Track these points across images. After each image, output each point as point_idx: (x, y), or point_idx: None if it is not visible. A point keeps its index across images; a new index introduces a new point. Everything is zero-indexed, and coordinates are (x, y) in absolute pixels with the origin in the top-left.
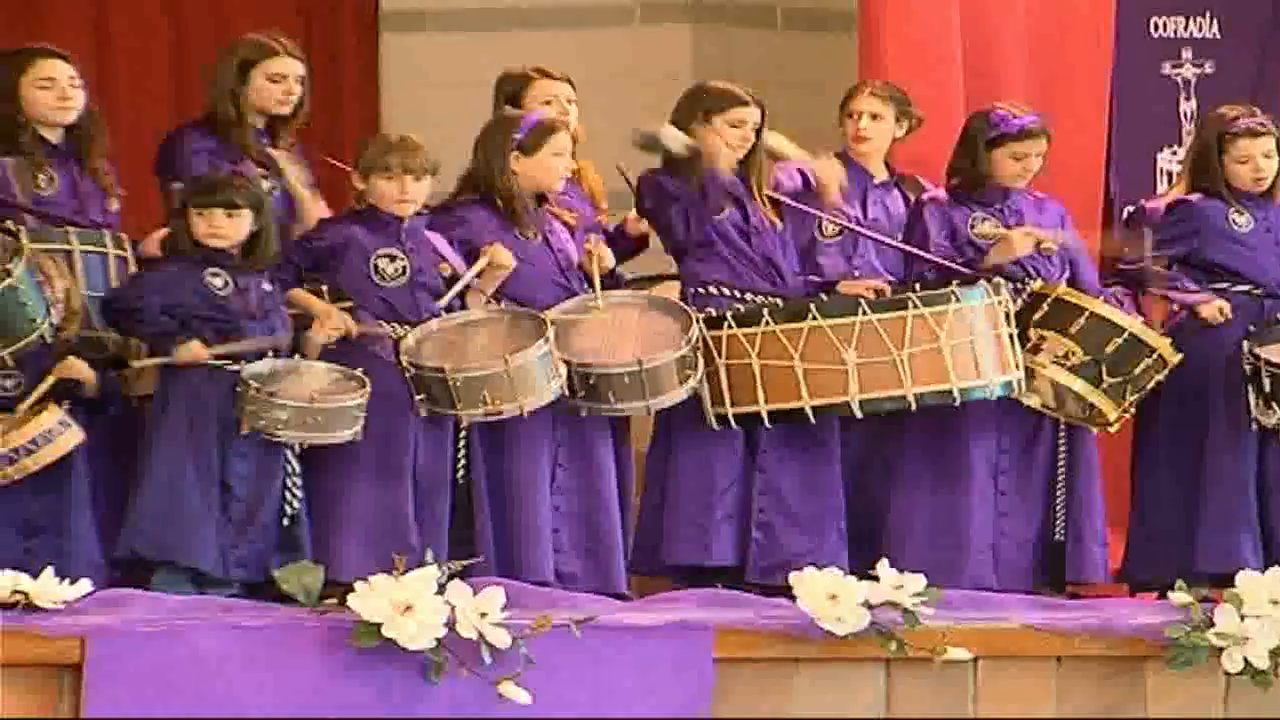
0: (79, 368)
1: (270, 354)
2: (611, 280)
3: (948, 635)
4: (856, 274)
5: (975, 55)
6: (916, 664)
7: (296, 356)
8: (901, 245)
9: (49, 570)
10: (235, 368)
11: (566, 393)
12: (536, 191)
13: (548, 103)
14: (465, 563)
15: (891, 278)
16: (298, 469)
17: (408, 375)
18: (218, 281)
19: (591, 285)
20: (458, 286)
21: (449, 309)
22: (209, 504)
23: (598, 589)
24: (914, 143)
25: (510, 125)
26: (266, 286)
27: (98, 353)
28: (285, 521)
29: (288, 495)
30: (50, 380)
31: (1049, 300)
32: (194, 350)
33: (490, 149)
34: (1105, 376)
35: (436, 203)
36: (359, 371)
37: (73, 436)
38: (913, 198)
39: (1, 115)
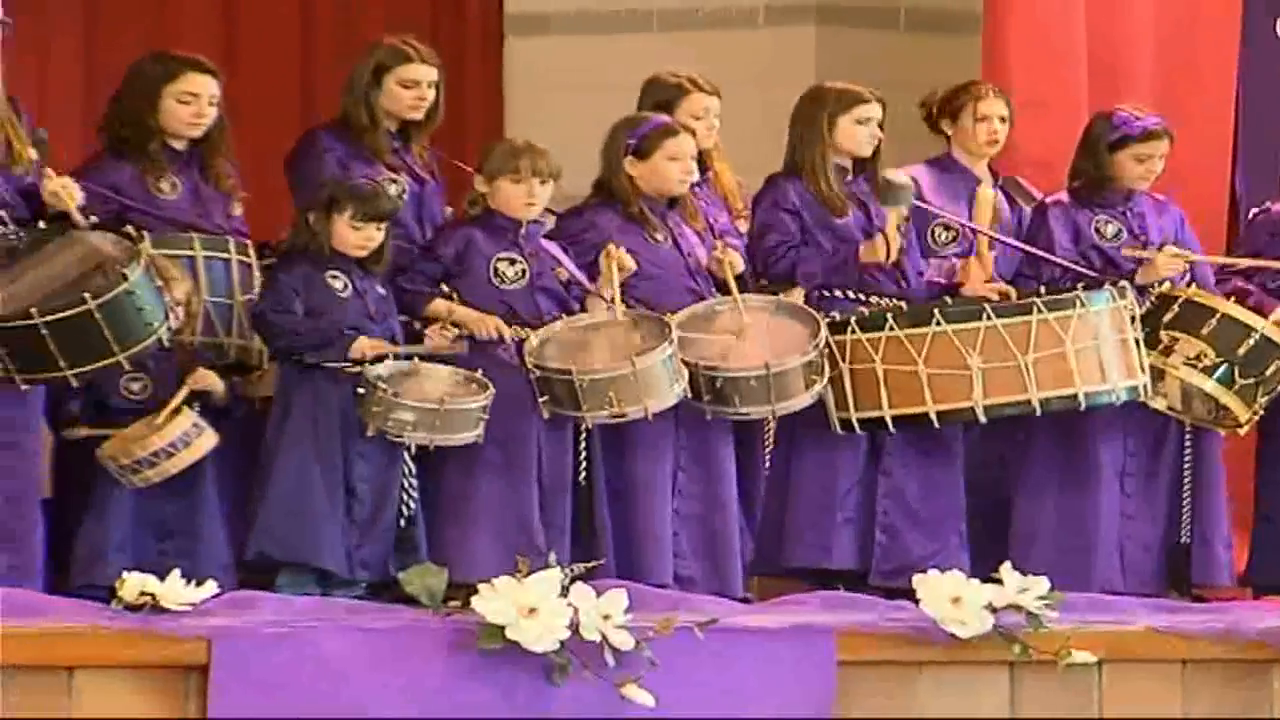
0: (211, 380)
1: (390, 356)
2: (741, 284)
3: (1072, 639)
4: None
5: (1100, 55)
6: (1040, 667)
7: (415, 359)
8: (1028, 248)
9: (176, 572)
10: (356, 370)
11: (689, 395)
12: (659, 195)
13: (698, 118)
14: (588, 565)
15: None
16: (413, 470)
17: (532, 377)
18: (338, 284)
19: (721, 289)
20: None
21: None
22: (334, 505)
23: (716, 592)
24: (1037, 144)
25: (627, 128)
26: (381, 290)
27: (218, 358)
28: (401, 523)
29: (404, 497)
30: (184, 392)
31: (1179, 302)
32: (363, 346)
33: (610, 152)
34: (1238, 378)
35: (557, 207)
36: (478, 373)
37: (208, 440)
38: (1018, 200)
39: (135, 118)
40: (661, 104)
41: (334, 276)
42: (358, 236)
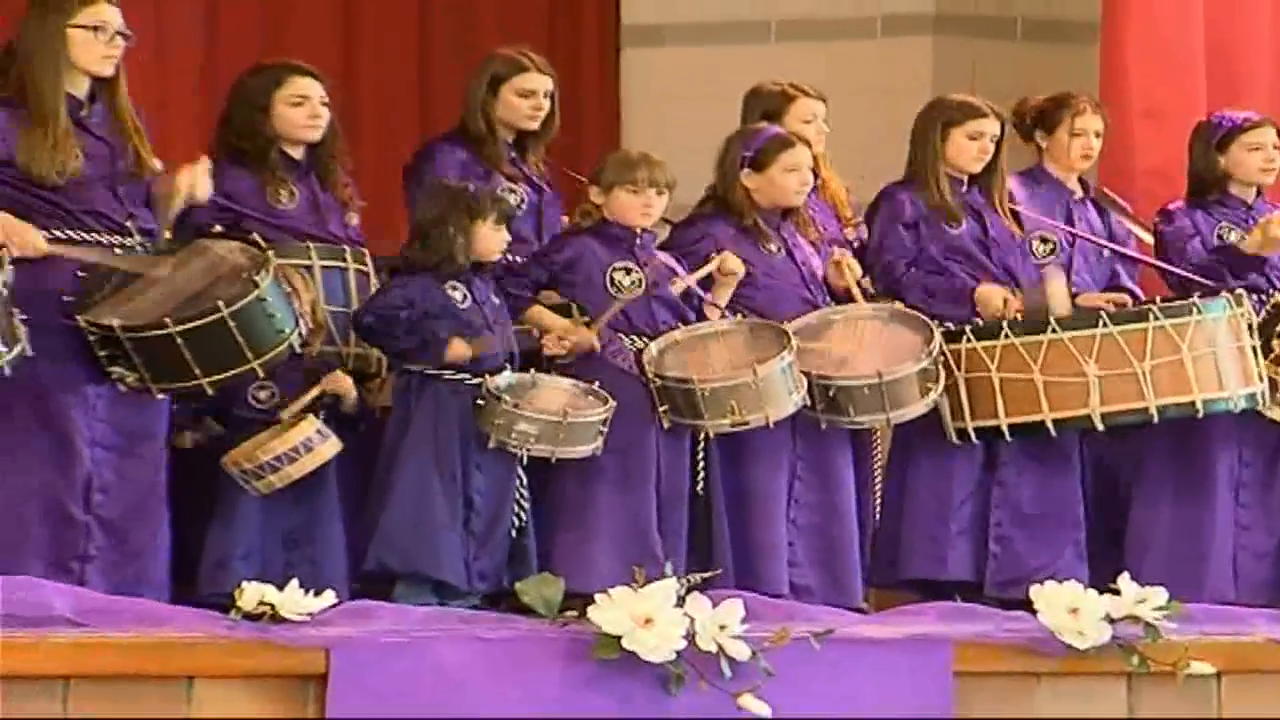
0: (346, 384)
1: (507, 367)
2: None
3: (1190, 649)
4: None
5: (1218, 64)
6: (1159, 678)
7: (532, 370)
8: (1148, 260)
9: (294, 582)
10: (476, 381)
11: (807, 404)
12: (775, 206)
13: (807, 122)
14: (705, 575)
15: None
16: (525, 481)
17: (652, 386)
18: (457, 294)
19: (837, 298)
20: (681, 284)
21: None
22: (454, 517)
23: (833, 602)
24: (1156, 153)
25: (743, 140)
26: (495, 299)
27: (335, 365)
28: (512, 533)
29: (516, 508)
30: (315, 391)
31: None
32: (458, 349)
33: (725, 163)
34: None
35: (670, 217)
36: (595, 384)
37: (331, 446)
38: (1109, 212)
39: (250, 129)
40: (769, 113)
41: (453, 287)
42: (498, 240)
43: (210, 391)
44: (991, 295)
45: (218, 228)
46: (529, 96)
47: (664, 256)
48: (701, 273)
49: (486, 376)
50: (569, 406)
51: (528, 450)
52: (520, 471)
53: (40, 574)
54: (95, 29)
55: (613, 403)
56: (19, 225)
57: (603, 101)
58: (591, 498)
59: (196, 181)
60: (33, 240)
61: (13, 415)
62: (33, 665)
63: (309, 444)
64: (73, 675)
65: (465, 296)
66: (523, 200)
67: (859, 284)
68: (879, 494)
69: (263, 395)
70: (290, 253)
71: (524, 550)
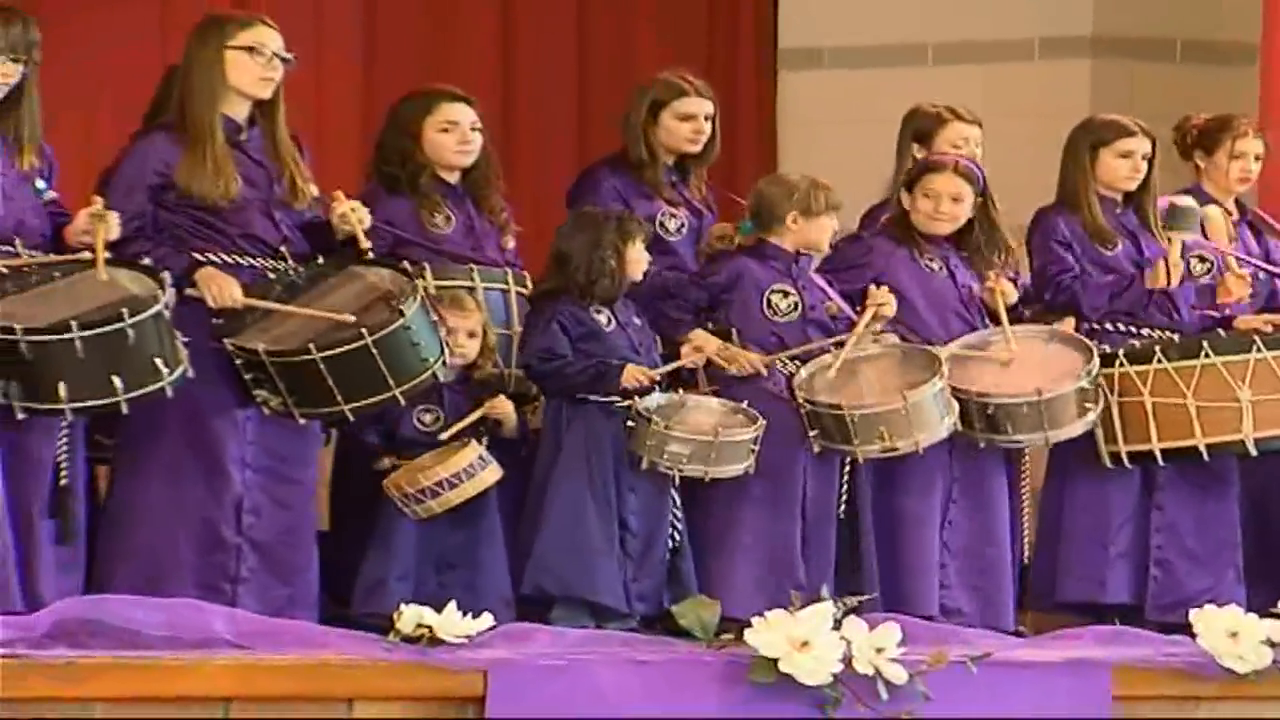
0: (507, 408)
1: (655, 388)
2: (1013, 315)
3: None
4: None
5: None
6: None
7: (680, 390)
8: None
9: (452, 605)
10: (625, 403)
11: (959, 428)
12: (923, 228)
13: (957, 146)
14: (860, 599)
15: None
16: (678, 502)
17: (802, 410)
18: (602, 318)
19: (993, 319)
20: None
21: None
22: (609, 540)
23: (986, 625)
24: None
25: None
26: (637, 320)
27: (500, 389)
28: (667, 555)
29: (671, 529)
30: (476, 414)
31: None
32: (633, 374)
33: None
34: None
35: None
36: (744, 404)
37: (492, 473)
38: (1265, 235)
39: (404, 155)
40: (921, 133)
41: (598, 311)
42: (644, 263)
43: (351, 418)
44: (1157, 268)
45: (370, 254)
46: (690, 120)
47: (819, 280)
48: (865, 319)
49: (636, 398)
50: (720, 426)
51: (680, 471)
52: (673, 492)
53: (191, 594)
54: (252, 50)
55: (762, 421)
56: (220, 277)
57: (759, 125)
58: (737, 521)
59: (362, 215)
60: (231, 292)
61: (165, 436)
62: (195, 687)
63: (471, 470)
64: (234, 697)
65: (610, 320)
66: (683, 225)
67: (1009, 310)
68: (1026, 519)
69: (428, 418)
70: (452, 275)
71: (680, 571)
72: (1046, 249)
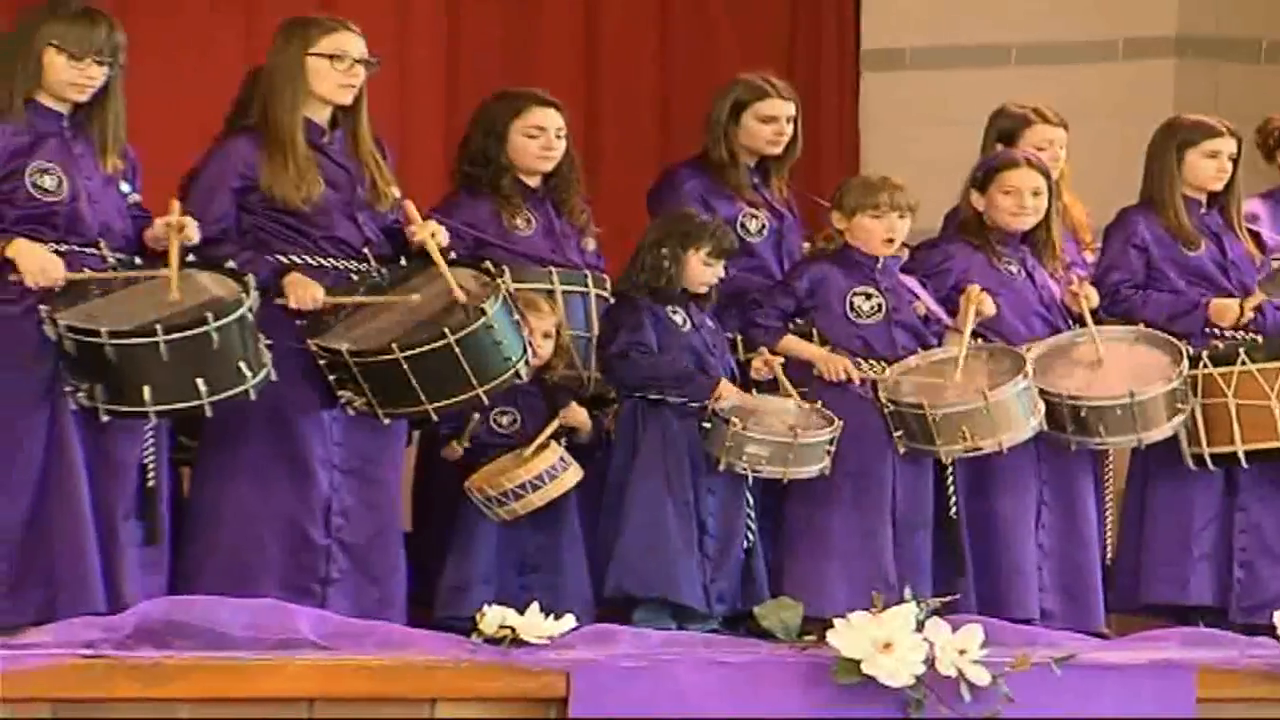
0: (581, 416)
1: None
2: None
3: None
4: None
5: None
6: None
7: (754, 391)
8: None
9: (535, 606)
10: (701, 404)
11: (1049, 428)
12: (999, 227)
13: (1041, 149)
14: (944, 599)
15: None
16: (753, 503)
17: (886, 411)
18: (678, 319)
19: (1077, 320)
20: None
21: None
22: (689, 540)
23: (1076, 627)
24: None
25: (982, 161)
26: (711, 323)
27: (579, 391)
28: (741, 555)
29: (746, 530)
30: (554, 425)
31: None
32: (725, 391)
33: (967, 184)
34: None
35: (911, 240)
36: (819, 404)
37: (573, 475)
38: None
39: (485, 155)
40: (1006, 134)
41: (674, 311)
42: (708, 274)
43: (435, 418)
44: (1227, 305)
45: (453, 255)
46: (771, 122)
47: (909, 281)
48: (969, 322)
49: (711, 399)
50: (797, 427)
51: (757, 472)
52: (748, 493)
53: (276, 595)
54: (333, 58)
55: (839, 422)
56: (303, 281)
57: (842, 126)
58: (826, 522)
59: (441, 238)
60: (313, 293)
61: (251, 438)
62: (279, 687)
63: (552, 472)
64: (318, 697)
65: (685, 321)
66: (764, 226)
67: (1093, 313)
68: (1109, 520)
69: (505, 420)
70: (531, 277)
71: (752, 571)
72: (1116, 251)
